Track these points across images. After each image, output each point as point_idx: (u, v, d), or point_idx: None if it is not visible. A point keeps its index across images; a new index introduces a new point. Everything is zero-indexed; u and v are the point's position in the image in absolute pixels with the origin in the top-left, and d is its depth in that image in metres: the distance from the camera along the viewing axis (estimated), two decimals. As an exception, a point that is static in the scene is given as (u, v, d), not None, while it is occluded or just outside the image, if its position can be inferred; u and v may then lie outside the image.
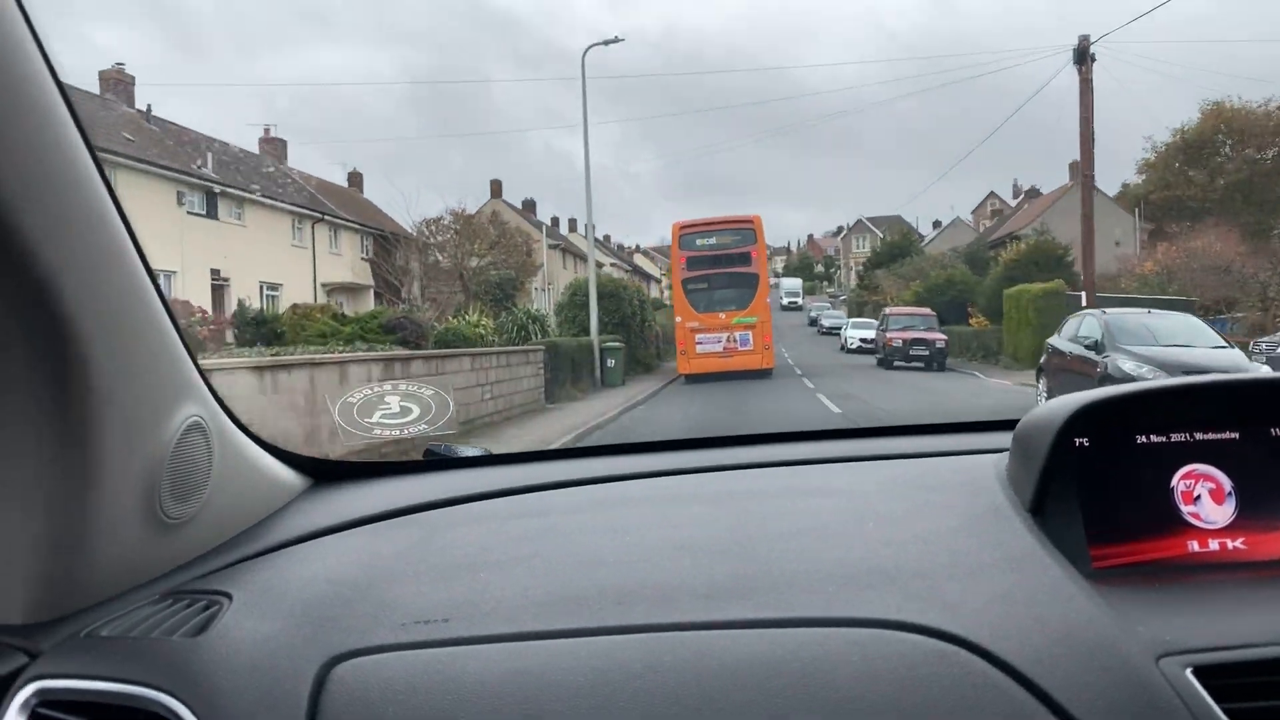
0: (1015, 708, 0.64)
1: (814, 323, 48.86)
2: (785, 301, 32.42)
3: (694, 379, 19.01)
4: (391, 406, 1.43)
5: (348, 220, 29.54)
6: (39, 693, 0.76)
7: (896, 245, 45.87)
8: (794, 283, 67.48)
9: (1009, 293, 23.61)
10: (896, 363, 22.44)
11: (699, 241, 20.47)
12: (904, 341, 22.73)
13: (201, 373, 1.00)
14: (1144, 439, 0.86)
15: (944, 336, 23.18)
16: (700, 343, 19.51)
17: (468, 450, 1.40)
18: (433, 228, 28.66)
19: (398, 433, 1.39)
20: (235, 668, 0.75)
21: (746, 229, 20.65)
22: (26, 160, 0.68)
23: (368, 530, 1.07)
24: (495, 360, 12.90)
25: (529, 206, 47.05)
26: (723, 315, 19.71)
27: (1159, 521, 0.83)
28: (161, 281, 0.93)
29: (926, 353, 22.60)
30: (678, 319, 20.44)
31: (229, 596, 0.88)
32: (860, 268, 59.09)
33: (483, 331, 16.63)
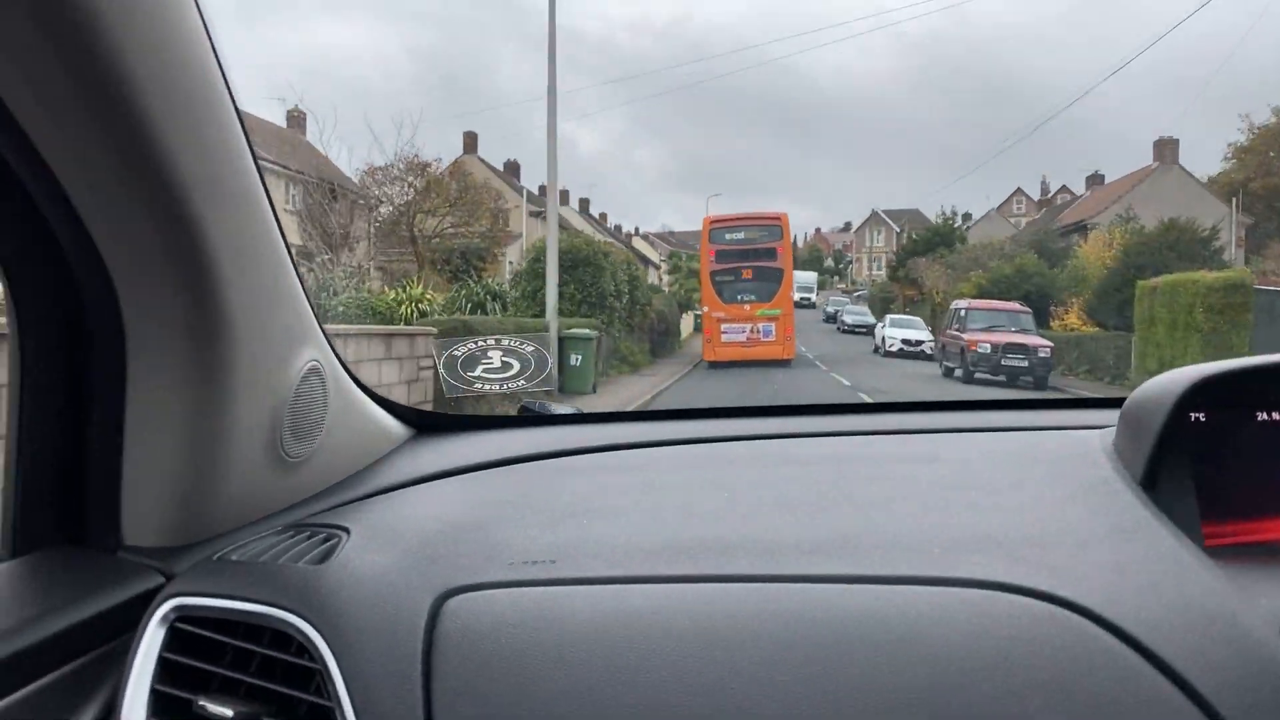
0: (1129, 673, 0.67)
1: (832, 319, 46.04)
2: (798, 297, 31.74)
3: (717, 365, 21.75)
4: (493, 361, 2.05)
5: (270, 161, 25.30)
6: (176, 608, 0.86)
7: (938, 232, 41.96)
8: (808, 276, 63.89)
9: (1147, 285, 18.62)
10: (981, 374, 17.97)
11: (727, 236, 22.99)
12: (993, 347, 17.89)
13: (319, 320, 1.13)
14: (1264, 415, 0.86)
15: (1048, 343, 18.67)
16: (725, 332, 22.00)
17: (561, 409, 1.51)
18: (378, 176, 24.46)
19: (498, 388, 1.87)
20: (356, 595, 0.83)
21: (773, 225, 23.14)
22: (187, 112, 0.79)
23: (472, 477, 1.19)
24: (369, 346, 9.50)
25: (511, 170, 40.87)
26: (747, 306, 22.06)
27: (1277, 500, 0.84)
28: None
29: (1025, 363, 17.74)
30: (704, 309, 23.30)
31: (346, 531, 0.98)
32: (892, 256, 51.38)
33: (425, 308, 13.78)
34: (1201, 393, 0.84)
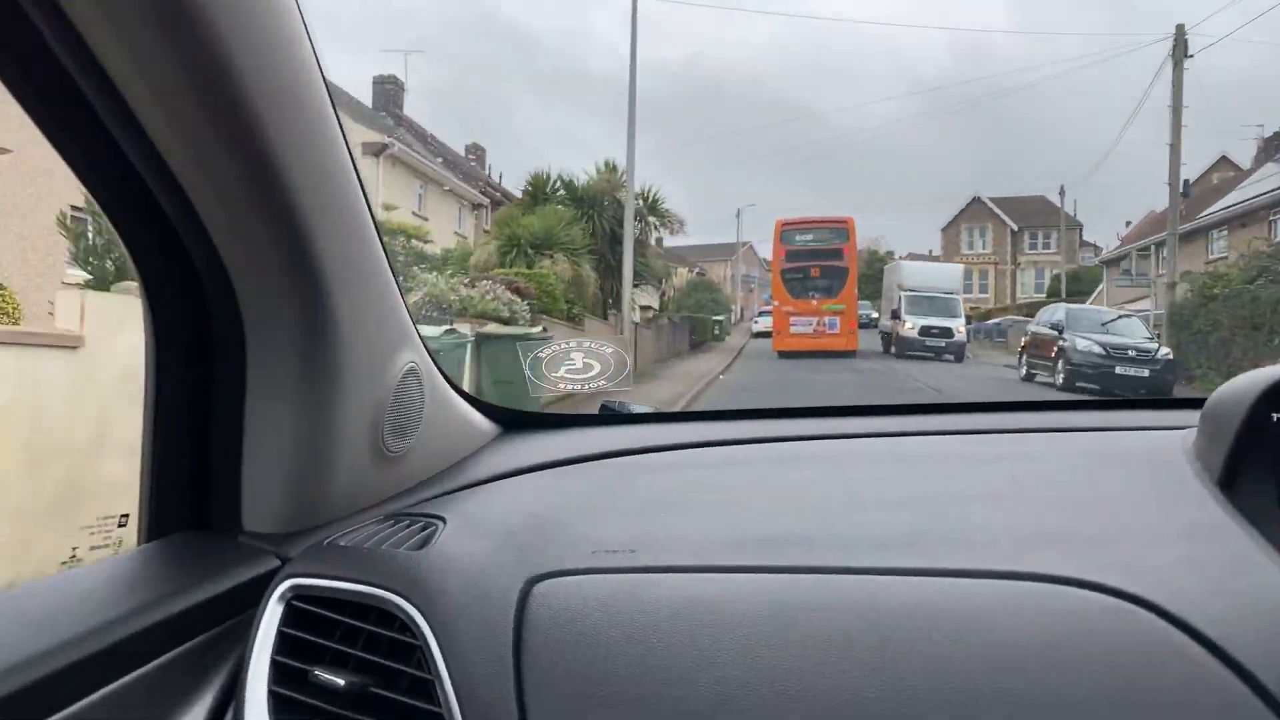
0: (1196, 669, 0.67)
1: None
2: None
3: (786, 354, 23.20)
4: (575, 363, 1.56)
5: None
6: (293, 588, 0.92)
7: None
8: (952, 272, 54.70)
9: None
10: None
11: (798, 237, 24.64)
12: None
13: (415, 323, 1.20)
14: None
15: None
16: (794, 324, 23.71)
17: (641, 408, 1.57)
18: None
19: (580, 387, 1.54)
20: (453, 579, 0.88)
21: (840, 228, 24.77)
22: (295, 119, 0.84)
23: (558, 472, 1.25)
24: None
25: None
26: (814, 301, 23.69)
27: None
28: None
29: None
30: (775, 303, 25.40)
31: (443, 520, 1.03)
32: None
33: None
34: None
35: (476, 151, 34.86)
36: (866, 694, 0.69)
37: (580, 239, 17.71)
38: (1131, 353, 15.13)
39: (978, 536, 0.86)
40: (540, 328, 12.45)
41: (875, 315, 34.06)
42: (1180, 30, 20.19)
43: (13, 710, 0.67)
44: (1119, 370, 14.71)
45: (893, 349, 25.00)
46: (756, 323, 40.50)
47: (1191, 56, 19.94)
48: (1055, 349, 16.04)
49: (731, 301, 50.98)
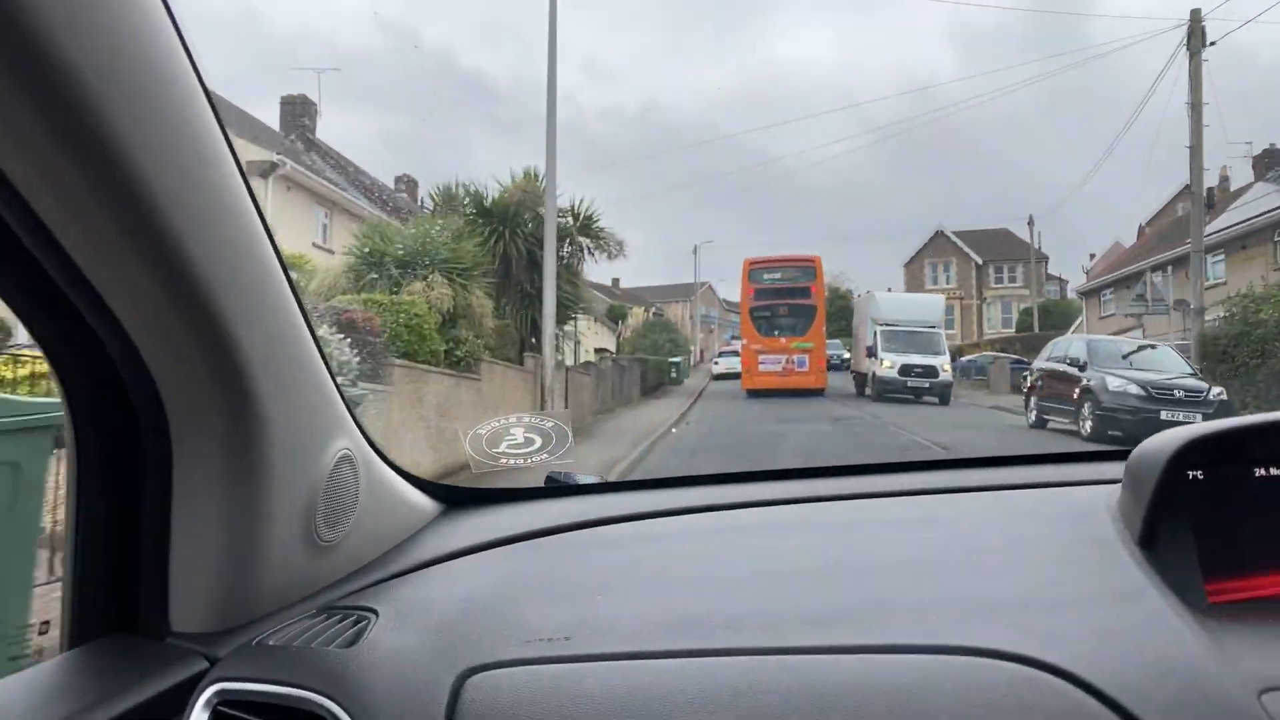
0: None
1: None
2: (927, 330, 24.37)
3: (755, 393, 23.13)
4: (516, 437, 1.57)
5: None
6: (219, 693, 0.91)
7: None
8: (933, 303, 48.01)
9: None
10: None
11: (765, 276, 24.80)
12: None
13: (349, 407, 1.20)
14: (1262, 472, 0.88)
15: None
16: (763, 363, 23.63)
17: (586, 478, 1.59)
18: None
19: (522, 462, 1.55)
20: (383, 676, 0.89)
21: (808, 266, 25.00)
22: (195, 193, 0.82)
23: (497, 553, 1.25)
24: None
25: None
26: (783, 340, 23.72)
27: (1278, 557, 0.86)
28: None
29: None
30: (743, 341, 25.43)
31: (375, 612, 1.04)
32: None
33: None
34: (1199, 449, 0.86)
35: (408, 183, 31.86)
36: None
37: (472, 256, 13.32)
38: (1179, 393, 12.39)
39: (904, 609, 0.89)
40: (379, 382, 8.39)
41: (846, 355, 32.52)
42: (1196, 16, 17.95)
43: None
44: (1165, 415, 11.63)
45: (868, 390, 23.18)
46: (717, 364, 39.15)
47: (1213, 44, 17.59)
48: (1077, 390, 13.33)
49: (690, 342, 48.70)
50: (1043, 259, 50.57)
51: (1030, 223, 44.69)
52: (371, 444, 1.24)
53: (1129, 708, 0.69)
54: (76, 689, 0.88)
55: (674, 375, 33.16)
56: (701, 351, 53.29)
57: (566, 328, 18.66)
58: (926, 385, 20.91)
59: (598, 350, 38.91)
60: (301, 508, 1.06)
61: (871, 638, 0.82)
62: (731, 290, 61.27)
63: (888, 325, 22.89)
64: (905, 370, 21.10)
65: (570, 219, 17.45)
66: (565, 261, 16.82)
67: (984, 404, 20.98)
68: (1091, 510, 1.00)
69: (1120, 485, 0.98)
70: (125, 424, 0.96)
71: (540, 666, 0.85)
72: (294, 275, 0.99)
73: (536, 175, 16.59)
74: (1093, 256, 45.92)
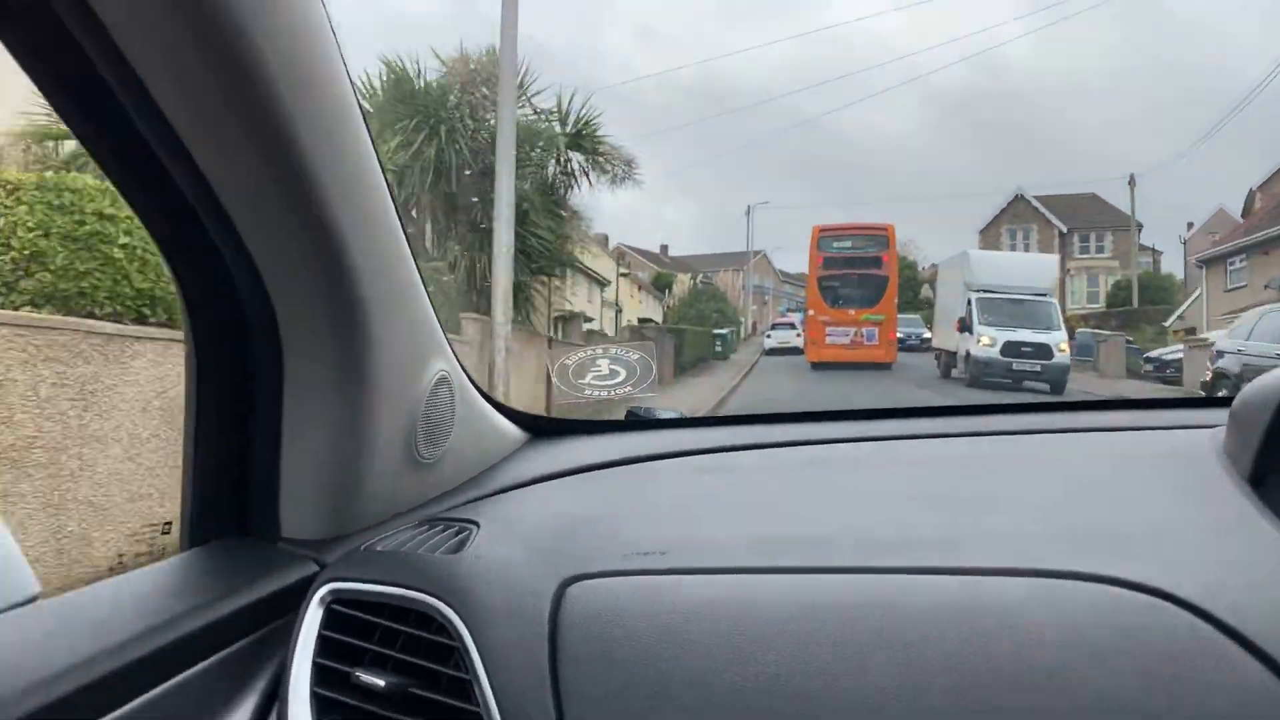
0: (1227, 663, 0.69)
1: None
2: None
3: (820, 365, 22.59)
4: (602, 369, 1.55)
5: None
6: (332, 591, 0.97)
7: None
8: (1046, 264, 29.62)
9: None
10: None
11: (835, 244, 23.66)
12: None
13: (445, 333, 1.28)
14: None
15: None
16: (830, 335, 22.72)
17: (666, 412, 1.62)
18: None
19: (607, 393, 1.56)
20: (488, 582, 0.93)
21: (880, 235, 23.76)
22: (328, 131, 0.89)
23: (587, 477, 1.32)
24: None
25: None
26: (852, 311, 22.69)
27: None
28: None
29: None
30: (810, 312, 24.36)
31: (476, 524, 1.10)
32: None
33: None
34: None
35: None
36: (895, 691, 0.73)
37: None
38: None
39: (1006, 536, 0.89)
40: None
41: (927, 335, 27.92)
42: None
43: (67, 711, 0.73)
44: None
45: (957, 372, 18.80)
46: (769, 337, 36.75)
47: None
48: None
49: (741, 313, 45.11)
50: (1138, 226, 45.76)
51: (1131, 182, 38.93)
52: (465, 372, 1.32)
53: (1248, 635, 0.68)
54: (197, 584, 0.95)
55: (719, 349, 30.08)
56: (754, 324, 50.28)
57: (590, 294, 14.31)
58: (1037, 369, 16.29)
59: (641, 320, 35.34)
60: (403, 424, 1.13)
61: (976, 562, 0.82)
62: (789, 261, 57.16)
63: (986, 292, 18.13)
64: (1010, 349, 16.48)
65: (556, 123, 11.70)
66: (547, 184, 11.38)
67: (1098, 391, 16.69)
68: (1197, 451, 1.01)
69: (1225, 428, 1.00)
70: (241, 338, 1.04)
71: (640, 577, 0.89)
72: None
73: (492, 51, 10.85)
74: (1190, 225, 41.19)
